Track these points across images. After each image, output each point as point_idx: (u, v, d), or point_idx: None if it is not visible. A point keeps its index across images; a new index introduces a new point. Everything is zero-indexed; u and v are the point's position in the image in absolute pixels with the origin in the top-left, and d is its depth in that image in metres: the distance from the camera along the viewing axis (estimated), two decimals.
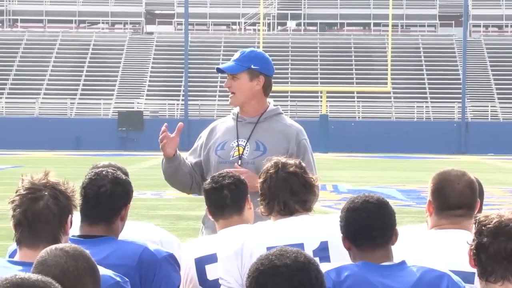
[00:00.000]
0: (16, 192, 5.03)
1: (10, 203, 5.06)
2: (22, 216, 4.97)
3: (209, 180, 6.53)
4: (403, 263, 5.10)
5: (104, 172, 5.75)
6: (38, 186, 5.07)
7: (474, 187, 5.93)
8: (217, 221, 6.42)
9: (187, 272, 6.51)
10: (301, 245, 5.59)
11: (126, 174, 6.14)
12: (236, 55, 8.21)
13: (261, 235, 5.93)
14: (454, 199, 5.83)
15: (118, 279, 5.11)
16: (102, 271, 4.79)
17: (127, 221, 6.02)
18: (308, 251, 5.44)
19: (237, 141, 8.10)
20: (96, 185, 5.61)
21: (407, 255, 5.24)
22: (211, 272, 6.43)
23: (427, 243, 5.77)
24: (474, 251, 4.30)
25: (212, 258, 6.47)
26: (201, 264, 6.57)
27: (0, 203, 26.13)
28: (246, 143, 8.07)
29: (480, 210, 6.14)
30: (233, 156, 8.09)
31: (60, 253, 4.11)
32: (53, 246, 4.24)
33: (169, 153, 8.19)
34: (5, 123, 70.31)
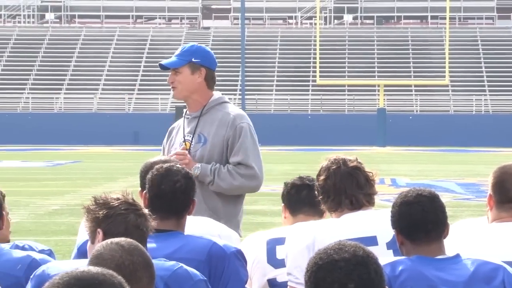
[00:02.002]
0: None
1: None
2: None
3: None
4: (457, 256, 5.08)
5: (175, 168, 5.86)
6: None
7: None
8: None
9: (255, 255, 6.48)
10: (374, 238, 5.65)
11: None
12: (178, 50, 8.49)
13: (333, 228, 5.86)
14: None
15: (204, 278, 5.25)
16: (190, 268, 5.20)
17: (189, 216, 6.11)
18: (381, 243, 5.59)
19: (184, 137, 8.41)
20: (172, 180, 5.71)
21: (466, 248, 5.23)
22: (282, 251, 6.41)
23: (487, 236, 5.71)
24: None
25: (285, 240, 6.40)
26: (273, 244, 6.59)
27: (60, 198, 26.18)
28: (192, 137, 8.35)
29: None
30: None
31: (116, 247, 4.15)
32: (109, 240, 4.29)
33: None
34: (64, 119, 70.78)
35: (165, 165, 5.94)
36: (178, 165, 6.00)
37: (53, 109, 73.61)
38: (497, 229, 5.79)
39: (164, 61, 8.65)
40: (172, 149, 8.50)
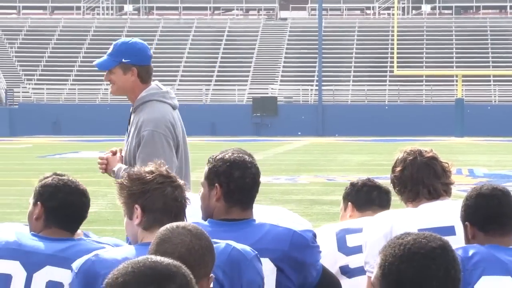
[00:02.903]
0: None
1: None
2: None
3: None
4: None
5: (247, 158, 5.75)
6: None
7: None
8: None
9: (325, 246, 6.20)
10: (452, 228, 5.63)
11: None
12: (110, 48, 8.41)
13: (411, 218, 5.88)
14: None
15: (255, 252, 5.11)
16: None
17: (261, 205, 6.15)
18: (459, 233, 5.42)
19: (126, 132, 8.45)
20: (252, 173, 5.61)
21: None
22: (352, 240, 6.47)
23: None
24: None
25: (354, 230, 6.50)
26: (342, 233, 6.57)
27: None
28: (126, 134, 8.41)
29: None
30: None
31: (184, 231, 4.17)
32: (173, 224, 4.31)
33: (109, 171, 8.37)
34: None
35: (237, 157, 5.71)
36: (246, 156, 5.81)
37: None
38: None
39: (96, 61, 8.62)
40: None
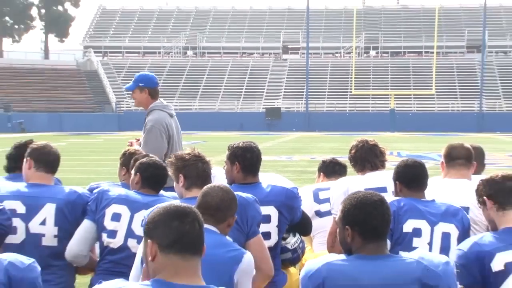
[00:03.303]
0: None
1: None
2: None
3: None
4: (433, 200, 4.93)
5: (253, 145, 5.55)
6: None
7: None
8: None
9: (305, 199, 6.15)
10: (385, 188, 5.52)
11: None
12: (134, 78, 8.29)
13: (360, 181, 5.77)
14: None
15: (254, 198, 4.99)
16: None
17: (265, 173, 5.89)
18: (389, 190, 5.36)
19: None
20: (257, 154, 5.48)
21: (435, 196, 5.04)
22: (322, 195, 6.48)
23: (442, 188, 5.41)
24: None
25: (324, 189, 6.51)
26: (316, 191, 6.59)
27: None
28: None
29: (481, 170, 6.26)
30: None
31: (218, 189, 4.30)
32: (212, 184, 4.42)
33: None
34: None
35: (246, 143, 5.56)
36: (251, 142, 5.61)
37: (191, 109, 70.33)
38: (449, 182, 5.56)
39: (125, 86, 8.58)
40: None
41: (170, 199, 5.14)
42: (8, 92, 68.91)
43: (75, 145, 39.18)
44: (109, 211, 5.19)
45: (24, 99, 68.35)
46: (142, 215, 4.88)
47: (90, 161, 28.48)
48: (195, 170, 4.91)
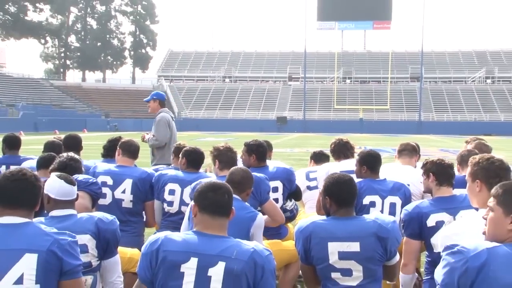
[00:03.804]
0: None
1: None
2: None
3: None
4: (385, 179, 4.73)
5: (262, 142, 5.39)
6: None
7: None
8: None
9: (299, 178, 5.92)
10: (353, 171, 4.99)
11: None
12: (150, 94, 8.13)
13: (337, 166, 5.52)
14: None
15: (265, 176, 4.81)
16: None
17: (270, 160, 5.69)
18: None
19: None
20: (265, 148, 5.34)
21: (386, 175, 4.84)
22: (312, 175, 6.17)
23: (393, 170, 5.27)
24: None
25: (313, 171, 6.18)
26: (307, 172, 6.28)
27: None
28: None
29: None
30: None
31: (240, 169, 4.19)
32: (236, 167, 4.32)
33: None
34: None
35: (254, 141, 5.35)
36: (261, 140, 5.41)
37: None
38: (399, 167, 5.43)
39: (145, 99, 8.25)
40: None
41: (208, 176, 4.99)
42: (108, 105, 70.40)
43: None
44: (167, 188, 5.11)
45: (118, 109, 69.49)
46: (189, 189, 4.85)
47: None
48: (225, 157, 4.81)
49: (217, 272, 2.75)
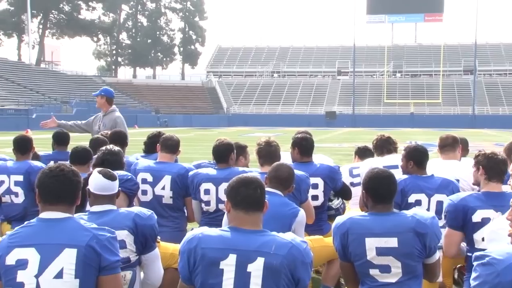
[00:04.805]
0: None
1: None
2: None
3: None
4: (432, 175, 4.59)
5: (308, 135, 5.40)
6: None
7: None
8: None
9: (344, 174, 5.80)
10: (397, 165, 5.09)
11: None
12: (101, 89, 8.04)
13: (380, 161, 5.51)
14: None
15: (307, 175, 4.83)
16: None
17: (315, 154, 5.57)
18: (400, 168, 4.90)
19: (98, 124, 7.84)
20: (311, 142, 5.32)
21: (434, 171, 4.71)
22: (355, 171, 6.10)
23: (440, 166, 5.13)
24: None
25: (356, 167, 6.16)
26: (351, 168, 6.22)
27: None
28: (101, 124, 7.79)
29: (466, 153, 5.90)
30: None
31: (284, 165, 4.15)
32: (280, 163, 4.25)
33: (51, 126, 7.80)
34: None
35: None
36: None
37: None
38: (443, 162, 5.29)
39: (94, 93, 8.27)
40: (95, 127, 7.91)
41: (239, 171, 4.90)
42: (158, 101, 70.50)
43: (199, 135, 39.09)
44: (202, 188, 5.06)
45: (168, 105, 69.77)
46: (224, 186, 4.78)
47: (207, 146, 27.48)
48: (265, 151, 4.83)
49: (256, 268, 2.73)
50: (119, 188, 3.56)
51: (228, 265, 2.76)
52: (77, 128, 8.01)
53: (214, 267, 2.78)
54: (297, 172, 4.48)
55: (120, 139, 5.93)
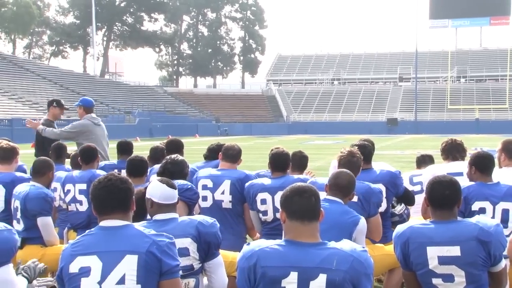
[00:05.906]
0: None
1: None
2: None
3: None
4: (498, 182, 4.41)
5: (366, 143, 5.31)
6: None
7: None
8: None
9: (405, 181, 5.69)
10: (461, 173, 5.00)
11: None
12: (80, 100, 8.26)
13: (444, 168, 5.39)
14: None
15: (375, 188, 4.65)
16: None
17: (376, 162, 5.52)
18: (465, 175, 4.75)
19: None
20: (370, 148, 5.25)
21: (500, 179, 4.51)
22: (415, 178, 6.13)
23: (504, 174, 4.89)
24: None
25: (416, 175, 6.20)
26: (411, 176, 6.20)
27: None
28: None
29: None
30: None
31: (344, 172, 4.08)
32: (340, 170, 4.17)
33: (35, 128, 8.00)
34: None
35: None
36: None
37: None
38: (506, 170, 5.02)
39: (74, 104, 8.50)
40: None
41: (294, 179, 4.90)
42: (219, 110, 71.36)
43: (259, 144, 38.90)
44: (258, 198, 5.10)
45: (228, 114, 70.48)
46: (279, 195, 4.22)
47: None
48: (346, 161, 4.71)
49: (319, 285, 2.72)
50: (178, 197, 3.59)
51: (290, 283, 2.74)
52: (54, 135, 8.05)
53: (276, 285, 2.76)
54: (371, 185, 4.56)
55: (176, 148, 6.01)
